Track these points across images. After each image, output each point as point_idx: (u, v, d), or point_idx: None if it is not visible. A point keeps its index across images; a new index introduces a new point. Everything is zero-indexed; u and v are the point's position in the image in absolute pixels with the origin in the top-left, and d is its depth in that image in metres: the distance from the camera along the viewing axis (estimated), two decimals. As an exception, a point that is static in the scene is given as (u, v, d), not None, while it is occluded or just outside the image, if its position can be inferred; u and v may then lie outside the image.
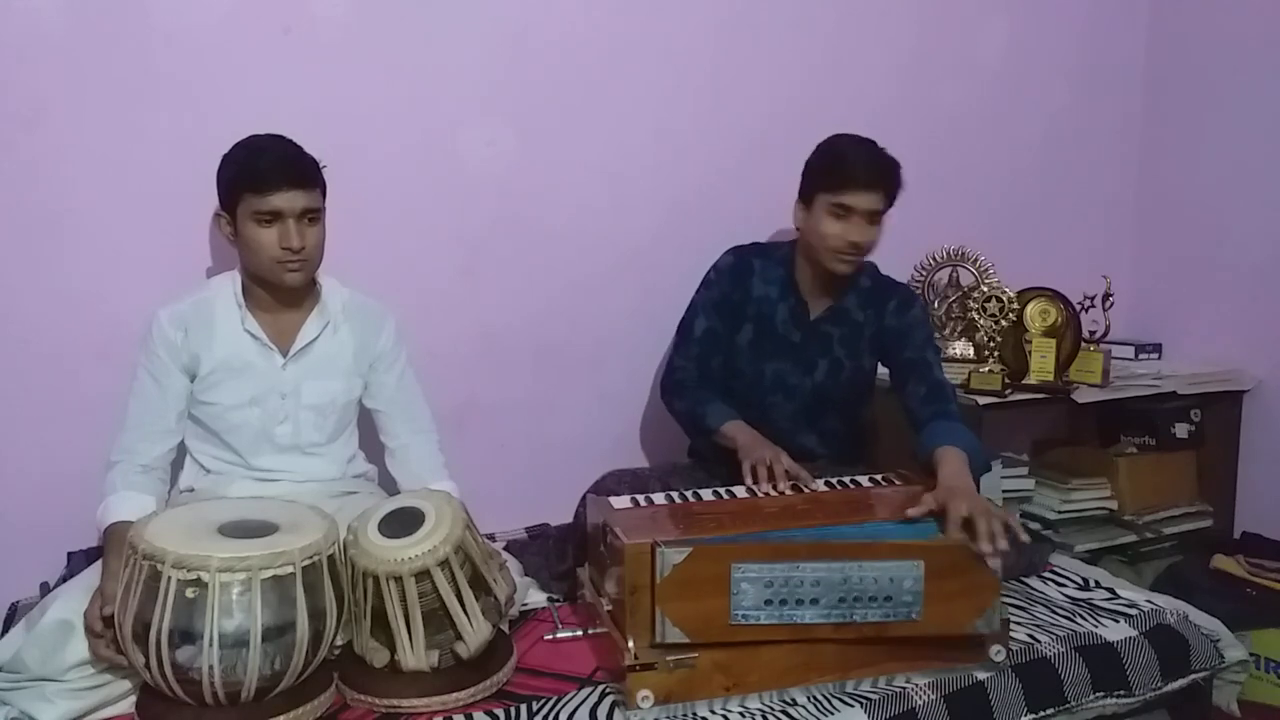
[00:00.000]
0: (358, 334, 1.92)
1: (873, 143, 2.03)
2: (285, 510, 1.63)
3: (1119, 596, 1.97)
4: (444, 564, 1.54)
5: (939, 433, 1.90)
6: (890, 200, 2.02)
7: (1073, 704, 1.68)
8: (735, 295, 2.16)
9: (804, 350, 2.16)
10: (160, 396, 1.81)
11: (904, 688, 1.62)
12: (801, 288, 2.15)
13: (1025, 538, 1.66)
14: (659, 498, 1.87)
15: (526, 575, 1.99)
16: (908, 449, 2.00)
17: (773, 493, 1.85)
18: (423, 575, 1.53)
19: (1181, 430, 2.69)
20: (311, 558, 1.49)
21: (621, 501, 1.84)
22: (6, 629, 1.72)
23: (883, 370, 2.19)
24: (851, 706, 1.57)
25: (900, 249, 2.51)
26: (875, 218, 2.01)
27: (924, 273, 2.62)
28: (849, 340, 2.16)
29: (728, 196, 2.43)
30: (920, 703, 1.58)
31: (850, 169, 1.98)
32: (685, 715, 1.55)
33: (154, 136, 2.01)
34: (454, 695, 1.54)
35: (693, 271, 2.22)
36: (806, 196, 2.06)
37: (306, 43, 2.11)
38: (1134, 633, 1.80)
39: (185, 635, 1.40)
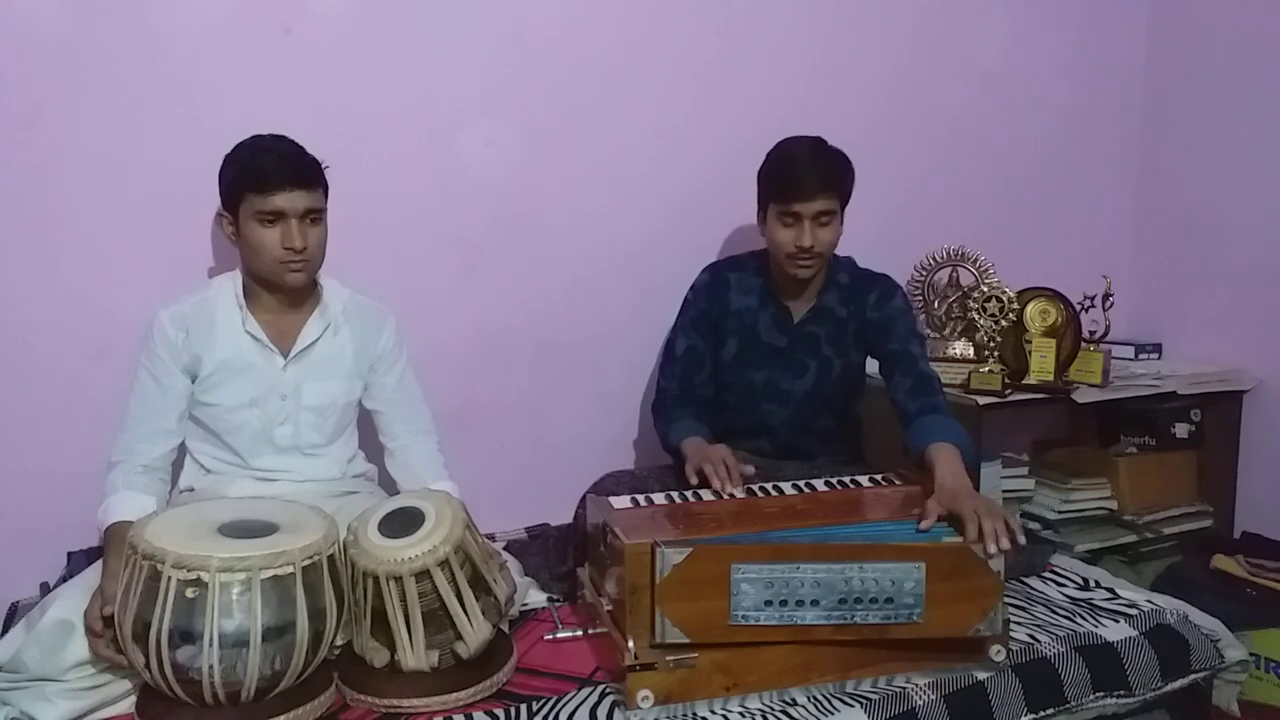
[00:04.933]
0: (358, 335, 1.92)
1: (817, 143, 2.03)
2: (285, 510, 1.63)
3: (1119, 596, 1.96)
4: (444, 564, 1.54)
5: (929, 429, 1.89)
6: (842, 197, 2.03)
7: (1073, 704, 1.68)
8: (714, 312, 2.17)
9: (792, 355, 2.16)
10: (161, 397, 1.81)
11: (904, 688, 1.62)
12: (781, 294, 2.15)
13: (1022, 539, 1.65)
14: (659, 498, 1.87)
15: (526, 575, 1.99)
16: (896, 443, 2.00)
17: (737, 492, 1.85)
18: (423, 575, 1.53)
19: (1181, 430, 2.69)
20: (311, 558, 1.49)
21: (621, 501, 1.84)
22: (6, 629, 1.72)
23: (872, 364, 2.20)
24: (851, 706, 1.57)
25: (900, 249, 2.52)
26: (825, 218, 2.01)
27: (924, 273, 2.62)
28: (835, 338, 2.16)
29: (727, 197, 2.42)
30: (920, 703, 1.58)
31: (793, 177, 1.98)
32: (685, 715, 1.55)
33: (154, 136, 2.01)
34: (454, 695, 1.54)
35: (692, 272, 2.22)
36: (762, 206, 2.08)
37: (306, 43, 2.11)
38: (1134, 633, 1.80)
39: (185, 635, 1.40)
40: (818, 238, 2.00)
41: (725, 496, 1.85)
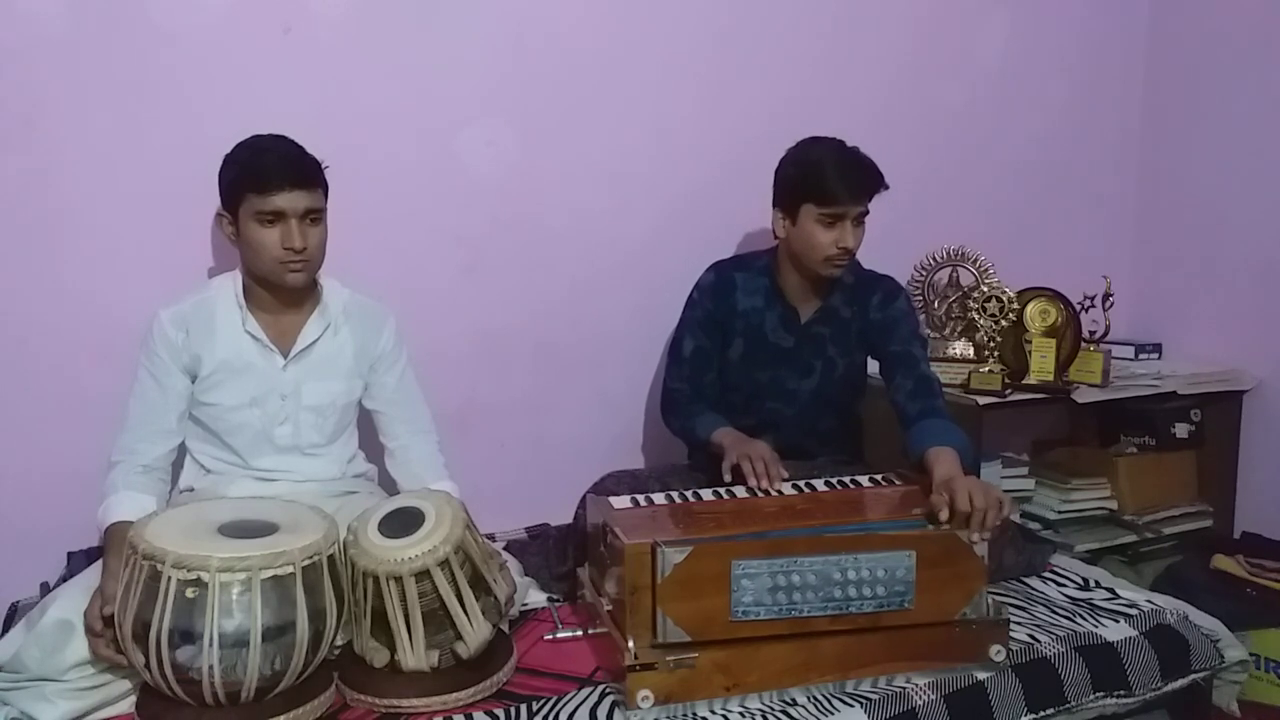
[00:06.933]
0: (358, 335, 1.92)
1: (844, 144, 2.04)
2: (285, 510, 1.63)
3: (1119, 596, 1.96)
4: (444, 564, 1.54)
5: (929, 432, 1.89)
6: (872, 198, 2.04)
7: (1073, 704, 1.68)
8: (720, 313, 2.16)
9: (798, 355, 2.16)
10: (161, 397, 1.81)
11: (904, 688, 1.62)
12: (788, 294, 2.15)
13: (1009, 511, 1.70)
14: (659, 498, 1.87)
15: (526, 575, 1.99)
16: (897, 443, 2.00)
17: (770, 490, 1.86)
18: (423, 575, 1.53)
19: (1181, 430, 2.69)
20: (311, 558, 1.49)
21: (621, 501, 1.84)
22: (6, 629, 1.72)
23: (872, 365, 2.20)
24: (851, 706, 1.57)
25: (900, 249, 2.52)
26: (862, 218, 2.03)
27: (924, 273, 2.62)
28: (839, 339, 2.16)
29: (727, 197, 2.43)
30: (920, 703, 1.58)
31: (839, 180, 1.98)
32: (685, 715, 1.56)
33: (154, 136, 2.02)
34: (454, 695, 1.54)
35: (692, 272, 2.22)
36: (789, 207, 2.05)
37: (306, 43, 2.11)
38: (1134, 633, 1.80)
39: (185, 635, 1.40)
40: (858, 237, 2.03)
41: (760, 494, 1.85)
